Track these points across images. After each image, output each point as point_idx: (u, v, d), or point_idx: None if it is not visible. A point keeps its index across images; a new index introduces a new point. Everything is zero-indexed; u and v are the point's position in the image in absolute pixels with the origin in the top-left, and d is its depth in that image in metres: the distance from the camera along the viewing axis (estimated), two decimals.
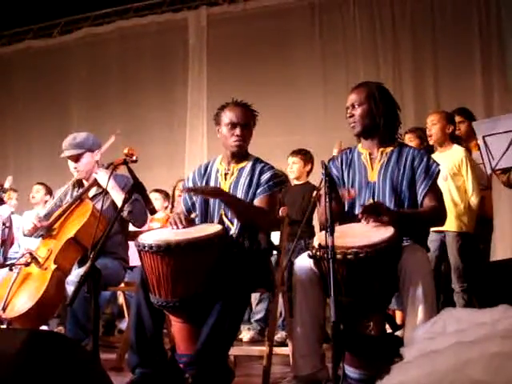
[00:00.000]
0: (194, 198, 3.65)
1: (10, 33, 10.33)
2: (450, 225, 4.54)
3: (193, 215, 3.60)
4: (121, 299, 5.64)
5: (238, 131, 3.51)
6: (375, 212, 3.07)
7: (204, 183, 3.66)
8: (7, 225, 4.66)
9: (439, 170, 3.32)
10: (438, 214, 3.28)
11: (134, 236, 4.18)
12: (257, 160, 3.64)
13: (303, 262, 3.12)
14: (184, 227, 3.24)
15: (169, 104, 8.98)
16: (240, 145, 3.54)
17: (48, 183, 7.12)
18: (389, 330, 3.44)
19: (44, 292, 3.83)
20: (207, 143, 8.38)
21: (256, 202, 3.48)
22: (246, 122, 3.54)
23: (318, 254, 2.93)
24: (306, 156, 5.71)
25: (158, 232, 3.39)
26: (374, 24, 8.00)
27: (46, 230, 4.16)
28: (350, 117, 3.36)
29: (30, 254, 3.99)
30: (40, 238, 4.28)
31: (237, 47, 8.63)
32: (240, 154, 3.61)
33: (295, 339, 3.24)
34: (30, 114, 9.95)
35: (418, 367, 1.73)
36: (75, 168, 4.37)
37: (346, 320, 2.87)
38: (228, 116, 3.54)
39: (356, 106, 3.34)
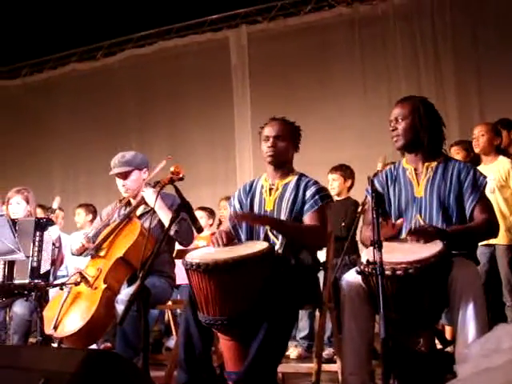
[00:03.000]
0: None
1: (56, 56, 10.57)
2: (500, 238, 4.46)
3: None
4: (167, 317, 5.67)
5: (269, 143, 3.60)
6: (424, 236, 3.05)
7: (249, 200, 3.69)
8: (57, 245, 4.73)
9: (486, 183, 3.27)
10: (491, 226, 3.23)
11: (181, 254, 4.23)
12: (301, 175, 3.66)
13: (351, 278, 3.11)
14: (225, 245, 3.27)
15: (213, 123, 9.04)
16: (271, 155, 3.60)
17: (93, 203, 7.21)
18: (439, 346, 3.39)
19: (94, 311, 3.86)
20: (253, 160, 8.41)
21: (306, 219, 3.50)
22: (279, 133, 3.61)
23: (366, 269, 2.91)
24: (345, 172, 5.67)
25: (205, 250, 3.41)
26: (414, 37, 7.97)
27: (95, 250, 4.21)
28: (393, 130, 3.34)
29: (80, 273, 4.03)
30: (87, 257, 4.34)
31: (278, 64, 8.66)
32: (284, 168, 3.65)
33: (344, 356, 3.20)
34: (75, 136, 10.14)
35: None
36: (123, 186, 4.42)
37: (396, 336, 2.83)
38: (264, 132, 3.66)
39: (400, 120, 3.32)
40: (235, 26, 9.16)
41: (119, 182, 4.44)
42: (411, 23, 8.01)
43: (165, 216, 4.15)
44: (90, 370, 1.58)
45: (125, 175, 4.40)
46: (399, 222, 3.19)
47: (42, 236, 4.48)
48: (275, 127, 3.63)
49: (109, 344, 5.56)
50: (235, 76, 8.95)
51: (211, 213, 6.77)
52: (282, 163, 3.66)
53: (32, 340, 5.11)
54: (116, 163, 4.43)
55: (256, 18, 9.10)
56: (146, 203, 4.31)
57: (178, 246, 4.48)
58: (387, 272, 2.77)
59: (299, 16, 8.75)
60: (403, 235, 3.21)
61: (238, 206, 3.75)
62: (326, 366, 3.84)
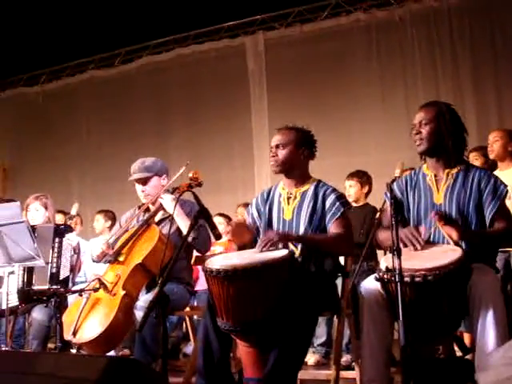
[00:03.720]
0: (258, 223, 3.70)
1: (74, 64, 10.65)
2: None
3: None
4: (185, 323, 5.68)
5: (272, 152, 3.65)
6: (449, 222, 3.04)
7: (267, 208, 3.70)
8: (76, 251, 4.76)
9: (507, 191, 3.25)
10: (509, 235, 3.21)
11: (199, 261, 4.24)
12: (319, 183, 3.66)
13: (370, 285, 3.10)
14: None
15: (231, 129, 9.06)
16: (273, 164, 3.66)
17: (112, 209, 7.24)
18: (458, 353, 3.37)
19: (113, 318, 3.87)
20: (271, 168, 8.39)
21: (331, 229, 3.51)
22: (281, 142, 3.64)
23: (385, 276, 2.90)
24: (362, 178, 5.63)
25: (224, 257, 3.41)
26: (431, 42, 7.93)
27: (114, 256, 4.23)
28: (417, 134, 3.32)
29: (99, 279, 4.04)
30: (106, 264, 4.36)
31: (295, 70, 8.66)
32: (286, 174, 3.69)
33: (362, 363, 3.19)
34: (92, 142, 10.22)
35: None
36: (143, 191, 4.44)
37: (415, 343, 2.82)
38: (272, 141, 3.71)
39: (423, 124, 3.31)
40: (252, 32, 9.18)
41: (138, 187, 4.46)
42: (428, 28, 7.98)
43: (183, 223, 4.16)
44: (111, 376, 1.59)
45: (144, 181, 4.42)
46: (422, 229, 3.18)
47: (60, 242, 4.51)
48: (276, 137, 3.68)
49: (127, 350, 5.58)
50: (252, 82, 8.97)
51: (229, 219, 6.79)
52: (288, 171, 3.67)
53: (51, 346, 5.14)
54: (136, 169, 4.45)
55: (273, 25, 9.11)
56: (164, 209, 4.33)
57: (195, 253, 4.49)
58: (406, 279, 2.76)
59: (316, 22, 8.75)
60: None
61: (256, 215, 3.76)
62: (344, 373, 3.84)
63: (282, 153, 3.62)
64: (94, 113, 10.28)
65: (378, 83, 8.10)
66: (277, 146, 3.63)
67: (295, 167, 3.67)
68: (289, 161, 3.64)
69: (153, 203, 4.43)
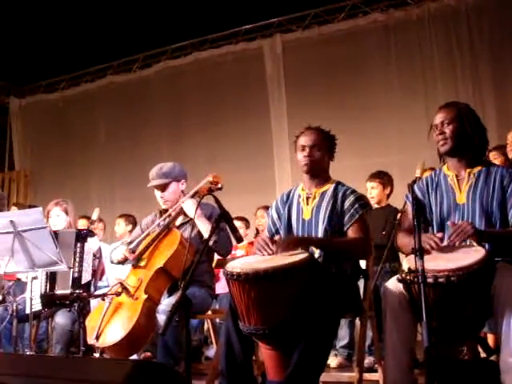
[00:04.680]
0: (278, 225, 3.71)
1: (93, 70, 10.73)
2: None
3: (276, 237, 3.62)
4: (207, 326, 5.69)
5: (305, 152, 3.61)
6: (462, 235, 3.01)
7: (287, 210, 3.70)
8: (97, 256, 4.79)
9: None
10: None
11: (221, 264, 4.25)
12: (338, 184, 3.66)
13: (393, 287, 3.08)
14: (272, 252, 3.26)
15: (250, 132, 9.07)
16: (306, 163, 3.62)
17: (133, 213, 7.27)
18: (482, 355, 3.34)
19: (136, 322, 3.88)
20: (292, 169, 8.39)
21: (349, 232, 3.51)
22: (314, 143, 3.62)
23: (408, 277, 2.89)
24: (384, 179, 5.61)
25: (245, 260, 3.40)
26: (450, 41, 7.90)
27: (135, 260, 4.24)
28: (440, 134, 3.31)
29: (121, 284, 4.07)
30: (128, 267, 4.38)
31: (313, 72, 8.66)
32: (313, 175, 3.66)
33: (386, 365, 3.18)
34: (111, 147, 10.28)
35: None
36: (162, 197, 4.45)
37: (439, 345, 2.80)
38: (299, 141, 3.67)
39: (446, 124, 3.29)
40: (269, 35, 9.20)
41: (157, 193, 4.47)
42: (447, 27, 7.94)
43: (203, 226, 4.17)
44: (137, 380, 1.59)
45: (163, 187, 4.43)
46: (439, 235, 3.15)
47: (82, 247, 4.54)
48: (311, 136, 3.64)
49: (149, 353, 5.59)
50: (271, 85, 8.98)
51: (247, 222, 6.81)
52: (318, 172, 3.67)
53: (74, 350, 5.17)
54: (154, 175, 4.46)
55: (290, 27, 9.12)
56: (184, 213, 4.34)
57: (217, 256, 4.50)
58: (429, 280, 2.74)
59: (333, 24, 8.75)
60: (445, 242, 3.16)
61: (275, 217, 3.76)
62: (367, 375, 3.82)
63: (317, 154, 3.62)
64: (113, 118, 10.35)
65: (397, 84, 8.07)
66: (312, 147, 3.62)
67: (322, 168, 3.69)
68: (321, 162, 3.66)
69: (172, 207, 4.44)
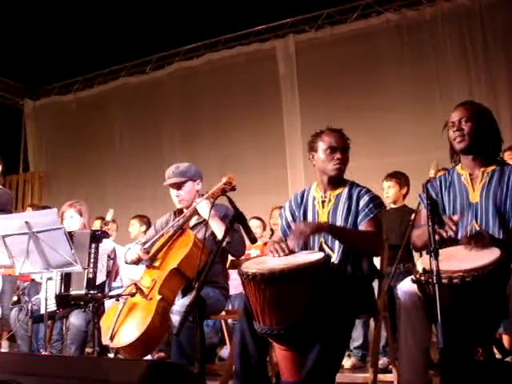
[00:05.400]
0: (293, 226, 3.69)
1: (106, 71, 10.78)
2: None
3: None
4: (220, 327, 5.70)
5: (338, 155, 3.56)
6: (478, 241, 3.00)
7: (301, 212, 3.69)
8: (112, 256, 4.81)
9: None
10: None
11: (235, 265, 4.26)
12: (353, 185, 3.65)
13: (407, 287, 3.06)
14: (286, 254, 3.26)
15: (263, 132, 9.09)
16: (340, 168, 3.58)
17: (146, 214, 7.30)
18: (497, 356, 3.33)
19: (150, 322, 3.88)
20: (305, 169, 8.38)
21: (362, 228, 3.49)
22: (345, 146, 3.60)
23: (422, 278, 2.88)
24: (401, 179, 5.61)
25: (260, 260, 3.39)
26: (464, 40, 7.89)
27: (149, 261, 4.25)
28: (458, 131, 3.29)
29: (135, 284, 4.08)
30: (141, 267, 4.39)
31: (326, 73, 8.66)
32: (337, 179, 3.63)
33: (400, 366, 3.16)
34: (126, 147, 10.34)
35: None
36: (177, 196, 4.46)
37: (454, 346, 2.79)
38: (326, 141, 3.59)
39: (464, 121, 3.28)
40: (282, 35, 9.21)
41: (173, 192, 4.49)
42: (460, 27, 7.92)
43: (217, 227, 4.18)
44: (153, 380, 1.60)
45: (178, 186, 4.44)
46: (456, 217, 3.14)
47: (97, 248, 4.57)
48: (340, 139, 3.61)
49: (163, 354, 5.61)
50: (283, 85, 8.98)
51: (264, 223, 6.83)
52: (342, 175, 3.66)
53: (88, 350, 5.19)
54: (170, 174, 4.48)
55: (303, 27, 9.13)
56: (198, 214, 4.35)
57: (230, 257, 4.50)
58: (444, 280, 2.72)
59: (346, 24, 8.75)
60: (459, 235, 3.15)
61: (290, 218, 3.75)
62: (381, 376, 3.82)
63: (345, 157, 3.61)
64: (127, 119, 10.40)
65: (411, 83, 8.06)
66: (344, 150, 3.59)
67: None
68: (346, 165, 3.65)
69: (187, 208, 4.45)
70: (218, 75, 9.60)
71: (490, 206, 3.19)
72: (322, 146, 3.60)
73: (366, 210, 3.50)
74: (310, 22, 9.08)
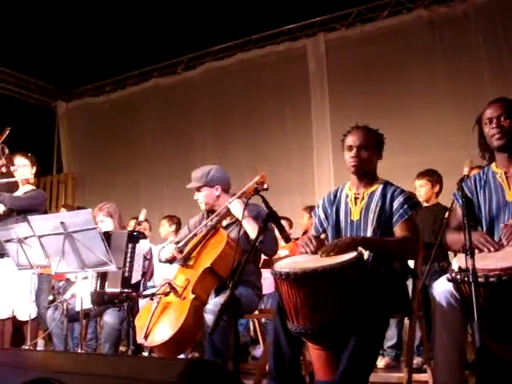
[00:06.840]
0: (325, 225, 3.69)
1: (138, 72, 10.87)
2: None
3: (322, 236, 3.61)
4: (254, 326, 5.72)
5: (352, 153, 3.56)
6: None
7: (334, 210, 3.68)
8: (148, 257, 4.85)
9: None
10: None
11: (267, 264, 4.26)
12: (387, 183, 3.62)
13: (442, 286, 3.03)
14: (315, 247, 3.26)
15: (293, 131, 9.09)
16: (355, 165, 3.57)
17: (178, 214, 7.35)
18: None
19: (184, 321, 3.91)
20: (333, 169, 8.36)
21: (397, 231, 3.47)
22: (362, 143, 3.57)
23: (458, 277, 2.85)
24: (433, 177, 5.57)
25: (293, 259, 3.38)
26: (497, 35, 7.79)
27: (183, 260, 4.28)
28: (497, 127, 3.24)
29: (169, 283, 4.11)
30: (174, 266, 4.42)
31: (357, 71, 8.62)
32: (369, 177, 3.62)
33: (435, 365, 3.13)
34: (158, 148, 10.39)
35: None
36: (197, 199, 4.54)
37: (490, 346, 2.76)
38: (347, 141, 3.62)
39: (503, 118, 3.22)
40: (313, 34, 9.20)
41: (195, 194, 4.56)
42: (493, 22, 7.82)
43: (250, 226, 4.19)
44: (191, 379, 1.61)
45: (198, 189, 4.52)
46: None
47: (134, 248, 4.62)
48: (359, 136, 3.59)
49: (197, 354, 5.64)
50: (313, 84, 8.98)
51: (291, 222, 6.84)
52: (366, 172, 3.63)
53: (121, 349, 5.24)
54: (192, 177, 4.55)
55: (333, 26, 9.11)
56: (231, 214, 4.36)
57: (263, 256, 4.51)
58: (480, 279, 2.68)
59: (377, 21, 8.70)
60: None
61: (322, 216, 3.74)
62: (416, 376, 3.79)
63: (365, 154, 3.58)
64: (159, 119, 10.46)
65: (442, 81, 7.98)
66: (360, 147, 3.57)
67: (371, 169, 3.65)
68: (369, 162, 3.61)
69: (214, 208, 4.47)
70: (249, 75, 9.63)
71: None
72: (345, 145, 3.64)
73: (401, 210, 3.47)
74: (340, 21, 9.05)
